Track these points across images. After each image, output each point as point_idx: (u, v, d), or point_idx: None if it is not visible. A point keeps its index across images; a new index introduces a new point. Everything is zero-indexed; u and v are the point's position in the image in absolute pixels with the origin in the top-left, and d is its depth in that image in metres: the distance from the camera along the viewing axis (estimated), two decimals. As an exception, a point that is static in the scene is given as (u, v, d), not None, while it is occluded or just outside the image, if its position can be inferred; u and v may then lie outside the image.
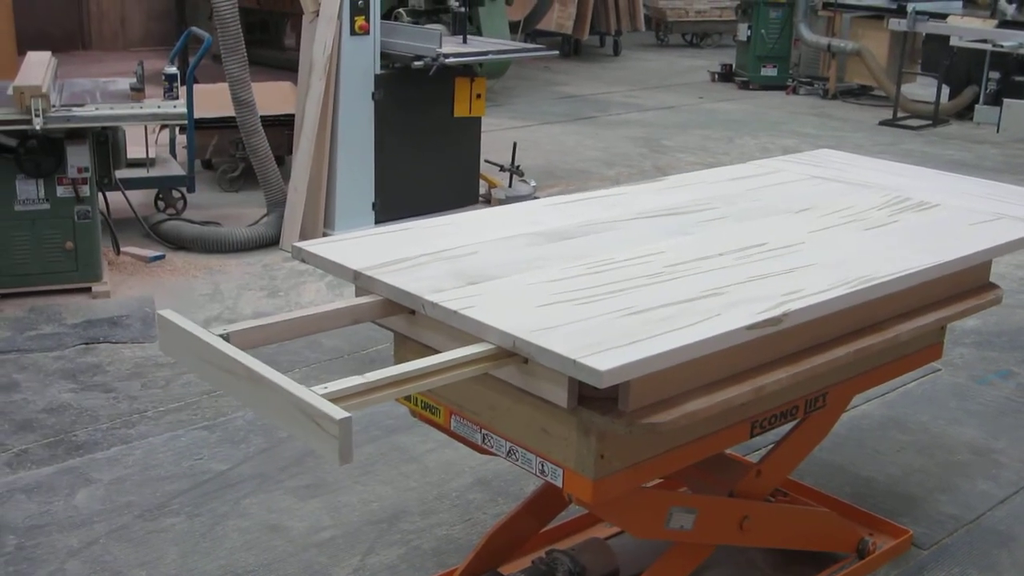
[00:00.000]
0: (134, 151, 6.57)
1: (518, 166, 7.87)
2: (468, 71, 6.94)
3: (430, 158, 6.95)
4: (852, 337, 2.79)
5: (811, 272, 2.71)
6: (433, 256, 2.75)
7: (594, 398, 2.30)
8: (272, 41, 14.01)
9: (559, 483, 2.46)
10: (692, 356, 2.29)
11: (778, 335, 2.49)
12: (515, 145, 7.94)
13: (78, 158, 5.49)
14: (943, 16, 11.64)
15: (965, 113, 11.77)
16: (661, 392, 2.36)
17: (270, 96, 7.61)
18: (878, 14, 12.43)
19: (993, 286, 3.28)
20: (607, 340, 2.23)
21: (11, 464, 3.98)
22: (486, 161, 7.60)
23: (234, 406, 4.42)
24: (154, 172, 6.88)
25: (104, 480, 3.89)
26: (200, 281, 5.97)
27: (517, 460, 2.55)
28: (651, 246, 2.88)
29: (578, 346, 2.19)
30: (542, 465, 2.49)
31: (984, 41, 11.19)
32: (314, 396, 1.99)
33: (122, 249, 6.22)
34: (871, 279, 2.68)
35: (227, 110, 6.75)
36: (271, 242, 6.56)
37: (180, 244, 6.46)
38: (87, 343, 5.06)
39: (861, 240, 3.02)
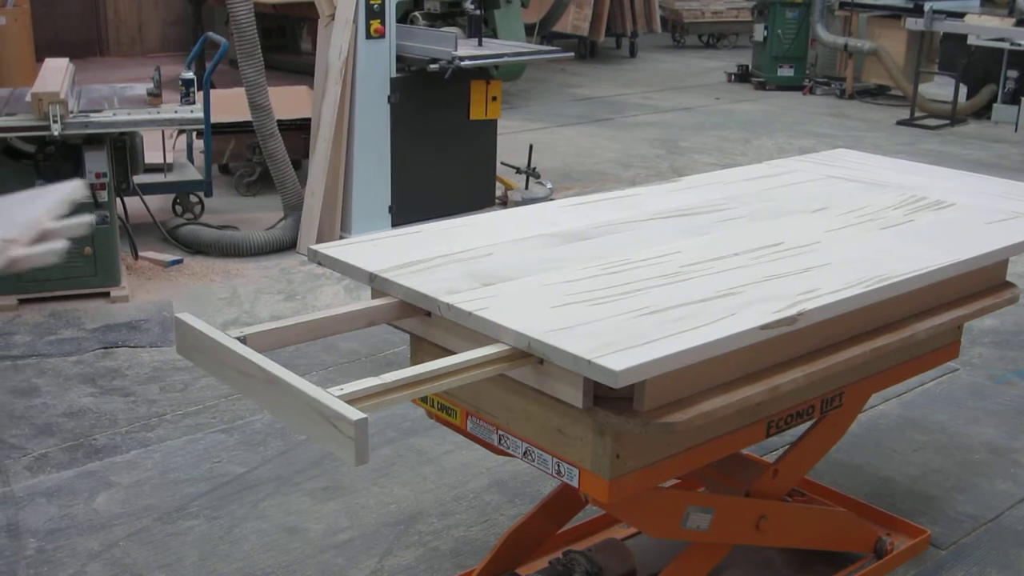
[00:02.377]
0: (151, 156, 6.62)
1: (534, 168, 7.88)
2: (484, 74, 6.96)
3: (446, 161, 6.97)
4: (868, 336, 2.79)
5: (826, 272, 2.71)
6: (448, 258, 2.75)
7: (609, 398, 2.30)
8: (289, 45, 14.05)
9: (575, 483, 2.47)
10: (707, 356, 2.29)
11: (793, 335, 2.49)
12: (531, 147, 7.95)
13: (96, 164, 5.52)
14: (960, 15, 11.59)
15: (983, 112, 11.72)
16: (676, 392, 2.37)
17: (287, 100, 7.65)
18: (895, 13, 12.39)
19: (1010, 285, 3.27)
20: (622, 340, 2.24)
21: (31, 468, 4.01)
22: (502, 163, 7.61)
23: (252, 409, 4.44)
24: (171, 177, 6.92)
25: (123, 483, 3.91)
26: (218, 285, 6.00)
27: (533, 461, 2.55)
28: (666, 246, 2.88)
29: (593, 346, 2.20)
30: (558, 466, 2.49)
31: (1002, 40, 11.15)
32: (330, 398, 1.99)
33: (140, 254, 6.25)
34: (886, 278, 2.67)
35: (244, 115, 6.78)
36: (288, 246, 6.59)
37: (198, 248, 6.49)
38: (106, 347, 5.09)
39: (877, 239, 3.01)
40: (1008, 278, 3.30)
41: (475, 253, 2.80)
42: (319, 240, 6.42)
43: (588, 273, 2.65)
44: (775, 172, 3.82)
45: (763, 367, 2.54)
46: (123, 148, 5.82)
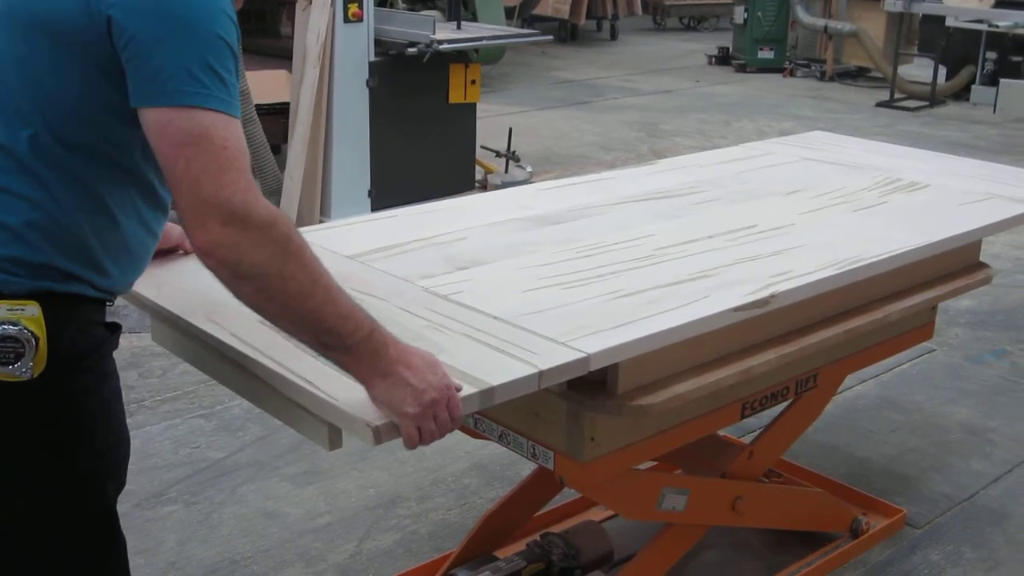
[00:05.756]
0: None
1: (514, 152, 7.87)
2: (463, 57, 6.94)
3: (426, 145, 6.95)
4: (841, 318, 2.80)
5: (800, 253, 2.72)
6: (424, 242, 2.76)
7: (584, 381, 2.30)
8: (268, 30, 13.94)
9: (550, 466, 2.48)
10: (680, 338, 2.30)
11: (766, 316, 2.50)
12: (511, 131, 7.95)
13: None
14: (939, -4, 11.65)
15: (962, 94, 11.79)
16: (650, 374, 2.37)
17: (265, 84, 7.59)
18: (874, -5, 12.44)
19: (983, 265, 3.28)
20: (595, 323, 2.24)
21: (9, 454, 3.99)
22: (482, 147, 7.60)
23: (231, 395, 4.42)
24: (151, 163, 6.87)
25: (102, 469, 3.90)
26: (197, 270, 5.97)
27: (509, 444, 2.56)
28: (641, 229, 2.89)
29: (566, 329, 2.20)
30: (533, 448, 2.50)
31: (980, 21, 11.19)
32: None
33: (119, 239, 6.22)
34: (859, 260, 2.69)
35: (222, 99, 6.73)
36: (268, 231, 6.56)
37: (177, 234, 6.45)
38: (84, 333, 5.07)
39: (851, 221, 3.03)
40: (982, 258, 3.32)
41: (450, 237, 2.80)
42: (298, 224, 6.32)
43: (562, 256, 2.66)
44: (751, 155, 3.83)
45: (737, 349, 2.56)
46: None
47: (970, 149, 9.06)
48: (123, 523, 3.57)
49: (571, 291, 2.42)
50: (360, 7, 6.36)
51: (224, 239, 1.65)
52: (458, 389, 1.86)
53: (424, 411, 1.81)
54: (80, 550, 1.96)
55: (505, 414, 2.53)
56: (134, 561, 3.36)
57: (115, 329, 1.94)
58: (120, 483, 2.05)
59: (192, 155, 1.65)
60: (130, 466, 3.96)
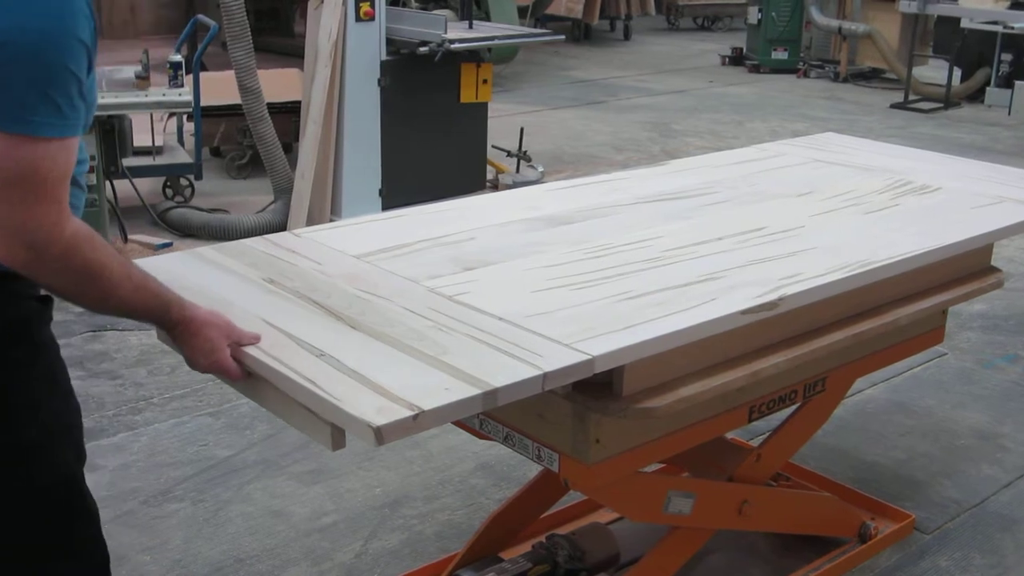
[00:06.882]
0: (141, 139, 6.59)
1: (525, 151, 7.86)
2: (474, 56, 6.93)
3: (437, 144, 6.94)
4: (850, 321, 2.78)
5: (809, 256, 2.70)
6: (432, 242, 2.75)
7: (590, 383, 2.29)
8: (281, 28, 14.01)
9: (555, 468, 2.46)
10: (686, 341, 2.29)
11: (775, 319, 2.49)
12: (522, 130, 7.94)
13: (84, 147, 5.48)
14: (954, -2, 11.59)
15: (977, 96, 11.72)
16: (656, 377, 2.36)
17: (277, 83, 7.61)
18: (889, -4, 12.38)
19: (995, 270, 3.26)
20: (602, 325, 2.23)
21: (18, 451, 4.00)
22: (493, 147, 7.59)
23: (238, 393, 4.41)
24: (161, 160, 6.88)
25: (110, 466, 3.91)
26: (207, 268, 5.97)
27: (514, 445, 2.55)
28: (650, 231, 2.88)
29: (572, 331, 2.19)
30: (539, 450, 2.49)
31: (995, 23, 11.13)
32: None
33: (129, 237, 6.24)
34: (869, 263, 2.67)
35: (234, 98, 6.74)
36: (278, 229, 6.55)
37: (188, 232, 6.47)
38: (94, 331, 5.08)
39: (861, 224, 3.01)
40: (994, 262, 3.30)
41: (458, 237, 2.79)
42: (309, 223, 6.39)
43: (570, 257, 2.65)
44: (762, 156, 3.81)
45: (744, 352, 2.54)
46: (112, 131, 5.81)
47: (985, 152, 9.02)
48: (129, 520, 3.60)
49: (579, 292, 2.41)
50: (372, 6, 6.36)
51: (24, 260, 1.75)
52: (254, 341, 2.09)
53: (205, 368, 2.10)
54: (38, 524, 1.97)
55: (510, 415, 2.51)
56: (140, 558, 3.39)
57: (47, 302, 2.00)
58: (79, 452, 2.06)
59: (13, 183, 1.71)
60: (137, 464, 3.99)
